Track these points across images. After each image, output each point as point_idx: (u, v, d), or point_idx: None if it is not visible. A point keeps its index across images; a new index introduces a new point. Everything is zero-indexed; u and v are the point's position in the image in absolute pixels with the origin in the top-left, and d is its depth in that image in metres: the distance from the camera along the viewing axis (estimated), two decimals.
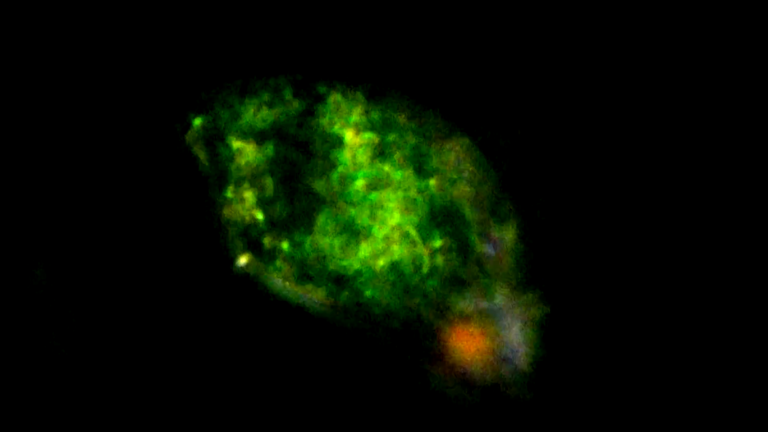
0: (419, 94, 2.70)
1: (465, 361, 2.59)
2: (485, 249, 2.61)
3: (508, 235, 2.62)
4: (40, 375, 2.70)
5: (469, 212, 2.62)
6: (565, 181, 2.67)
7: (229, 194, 2.67)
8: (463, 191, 2.63)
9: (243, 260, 2.66)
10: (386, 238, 2.60)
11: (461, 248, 2.61)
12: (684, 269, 2.62)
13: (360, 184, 2.63)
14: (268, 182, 2.64)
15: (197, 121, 2.70)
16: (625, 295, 2.61)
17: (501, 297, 2.60)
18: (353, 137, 2.65)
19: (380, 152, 2.65)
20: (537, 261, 2.61)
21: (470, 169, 2.65)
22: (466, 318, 2.60)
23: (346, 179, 2.63)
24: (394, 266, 2.60)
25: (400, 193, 2.63)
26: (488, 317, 2.59)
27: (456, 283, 2.60)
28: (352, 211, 2.62)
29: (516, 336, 2.59)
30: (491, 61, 2.70)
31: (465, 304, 2.59)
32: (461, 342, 2.59)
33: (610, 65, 2.67)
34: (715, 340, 2.59)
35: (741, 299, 2.60)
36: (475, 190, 2.64)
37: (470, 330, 2.59)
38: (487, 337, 2.59)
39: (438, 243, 2.60)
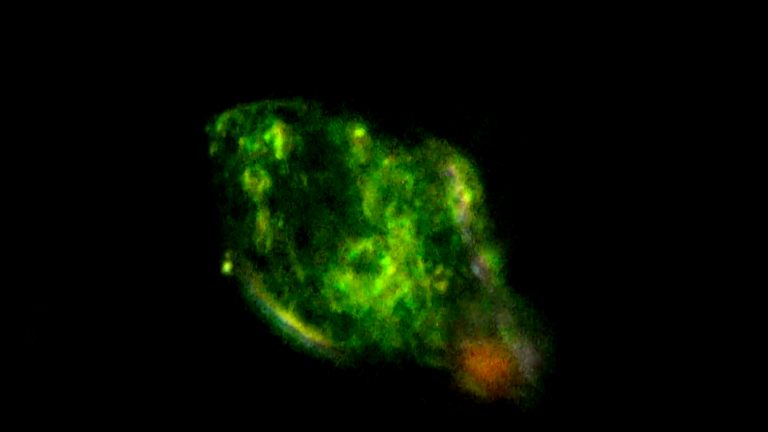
0: (424, 117, 2.61)
1: (478, 385, 2.52)
2: (475, 272, 2.53)
3: (493, 258, 2.54)
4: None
5: (459, 237, 2.53)
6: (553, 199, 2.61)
7: (247, 218, 2.52)
8: (458, 215, 2.53)
9: (227, 267, 2.55)
10: (396, 272, 2.48)
11: (456, 273, 2.51)
12: (681, 276, 2.58)
13: (389, 211, 2.49)
14: (286, 209, 2.50)
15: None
16: (624, 303, 2.58)
17: (499, 317, 2.52)
18: (386, 160, 2.51)
19: (402, 178, 2.52)
20: (526, 280, 2.55)
21: (466, 193, 2.55)
22: (471, 343, 2.52)
23: (378, 207, 2.49)
24: (400, 303, 2.48)
25: (415, 217, 2.50)
26: (491, 338, 2.52)
27: (456, 309, 2.51)
28: (367, 243, 2.48)
29: (522, 353, 2.53)
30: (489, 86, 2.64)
31: (467, 329, 2.51)
32: (472, 367, 2.52)
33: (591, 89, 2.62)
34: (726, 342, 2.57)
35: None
36: (469, 214, 2.54)
37: (478, 353, 2.51)
38: (495, 358, 2.52)
39: (439, 270, 2.50)
